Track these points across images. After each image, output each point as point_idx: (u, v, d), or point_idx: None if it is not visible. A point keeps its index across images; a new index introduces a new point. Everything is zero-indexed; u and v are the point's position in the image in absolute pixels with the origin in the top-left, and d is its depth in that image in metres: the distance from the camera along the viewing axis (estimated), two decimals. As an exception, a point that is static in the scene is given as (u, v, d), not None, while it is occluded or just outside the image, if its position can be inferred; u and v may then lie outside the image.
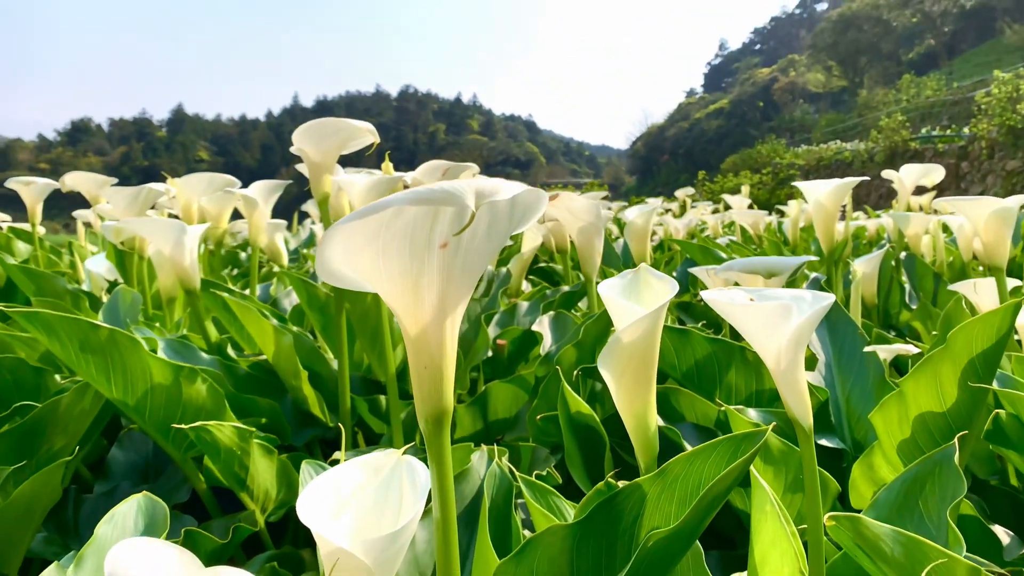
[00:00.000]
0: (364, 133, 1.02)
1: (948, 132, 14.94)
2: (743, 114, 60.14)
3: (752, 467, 0.56)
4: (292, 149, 1.06)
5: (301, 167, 1.84)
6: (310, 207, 2.57)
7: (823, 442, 0.94)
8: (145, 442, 1.08)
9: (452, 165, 1.09)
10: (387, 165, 1.08)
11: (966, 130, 13.82)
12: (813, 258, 1.13)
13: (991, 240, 1.13)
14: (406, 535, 0.45)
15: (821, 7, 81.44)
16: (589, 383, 0.97)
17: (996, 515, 0.87)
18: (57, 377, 1.06)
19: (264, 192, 1.32)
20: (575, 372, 0.93)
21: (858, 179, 1.10)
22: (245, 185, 1.59)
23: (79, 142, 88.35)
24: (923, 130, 16.39)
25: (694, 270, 1.38)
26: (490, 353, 1.24)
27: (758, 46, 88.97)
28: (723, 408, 0.87)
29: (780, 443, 0.79)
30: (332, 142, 1.02)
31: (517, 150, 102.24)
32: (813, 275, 1.12)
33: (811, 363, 1.01)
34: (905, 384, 0.81)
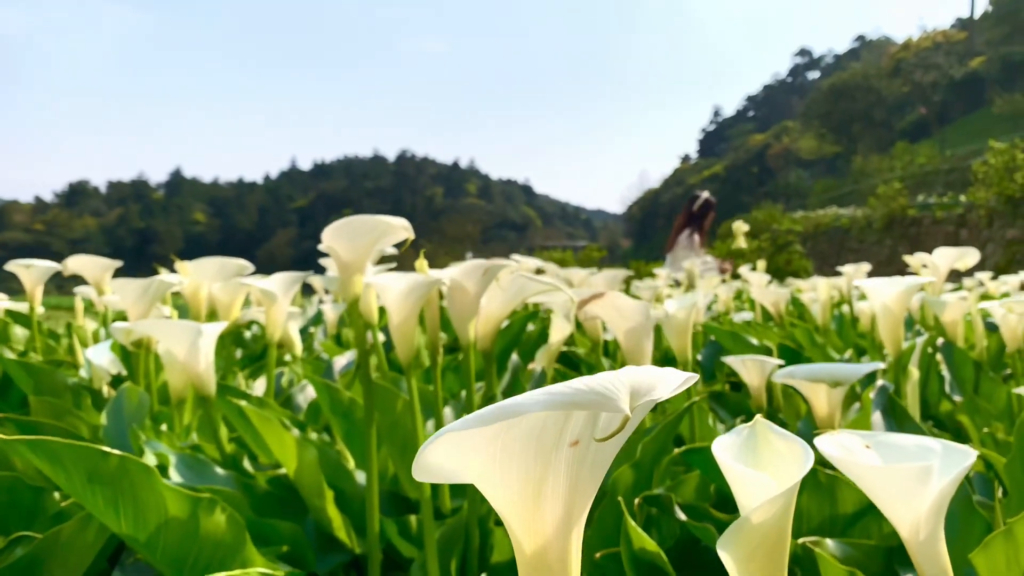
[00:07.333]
0: (399, 230, 0.95)
1: (945, 200, 15.04)
2: (738, 180, 60.81)
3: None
4: (321, 247, 0.98)
5: (326, 261, 1.76)
6: (314, 280, 2.49)
7: (911, 580, 0.84)
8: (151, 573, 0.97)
9: (490, 264, 1.01)
10: (421, 263, 1.00)
11: (962, 198, 13.90)
12: (880, 365, 1.05)
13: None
14: None
15: (812, 75, 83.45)
16: (645, 509, 0.87)
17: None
18: (56, 495, 0.97)
19: (284, 285, 1.24)
20: (636, 501, 0.84)
21: (924, 280, 1.02)
22: (251, 258, 1.53)
23: (76, 204, 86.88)
24: (919, 197, 16.49)
25: (730, 360, 1.29)
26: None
27: (751, 113, 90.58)
28: (801, 542, 0.77)
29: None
30: (366, 241, 0.94)
31: (514, 214, 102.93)
32: (880, 383, 1.03)
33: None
34: (1018, 527, 0.71)
